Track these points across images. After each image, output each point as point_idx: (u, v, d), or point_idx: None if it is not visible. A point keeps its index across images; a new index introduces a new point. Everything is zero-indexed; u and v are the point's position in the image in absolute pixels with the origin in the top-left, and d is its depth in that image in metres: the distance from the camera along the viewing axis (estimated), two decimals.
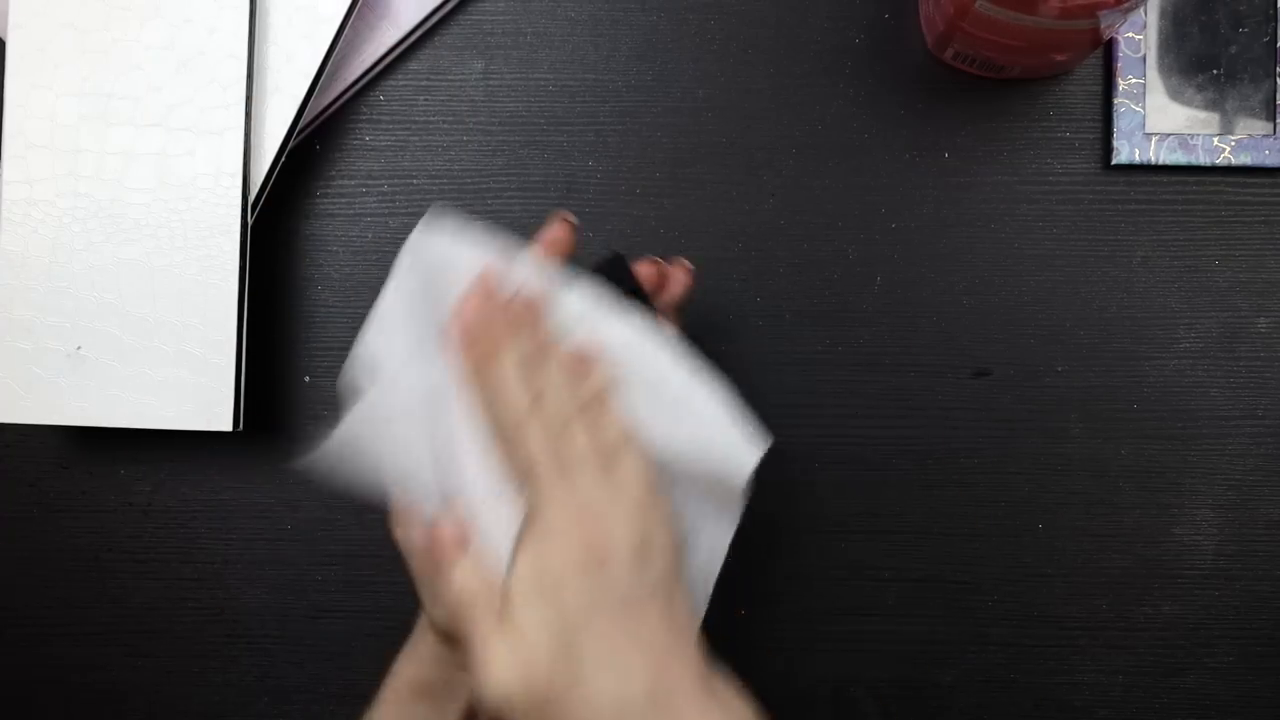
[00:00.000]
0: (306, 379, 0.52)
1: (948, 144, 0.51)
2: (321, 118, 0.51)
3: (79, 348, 0.48)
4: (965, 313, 0.51)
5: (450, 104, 0.52)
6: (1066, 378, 0.51)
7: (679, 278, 0.43)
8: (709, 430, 0.37)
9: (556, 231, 0.39)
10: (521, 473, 0.35)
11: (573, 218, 0.40)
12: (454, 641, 0.39)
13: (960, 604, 0.51)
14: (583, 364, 0.37)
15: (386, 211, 0.52)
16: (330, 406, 0.52)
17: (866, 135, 0.51)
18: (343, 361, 0.51)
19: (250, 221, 0.48)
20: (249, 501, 0.52)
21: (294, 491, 0.52)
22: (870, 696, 0.51)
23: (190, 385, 0.48)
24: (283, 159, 0.49)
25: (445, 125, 0.52)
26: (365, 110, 0.52)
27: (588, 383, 0.36)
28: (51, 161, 0.48)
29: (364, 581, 0.52)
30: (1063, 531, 0.51)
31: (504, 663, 0.33)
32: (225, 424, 0.48)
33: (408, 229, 0.51)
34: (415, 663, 0.43)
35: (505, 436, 0.35)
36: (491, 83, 0.52)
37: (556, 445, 0.35)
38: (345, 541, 0.52)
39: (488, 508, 0.35)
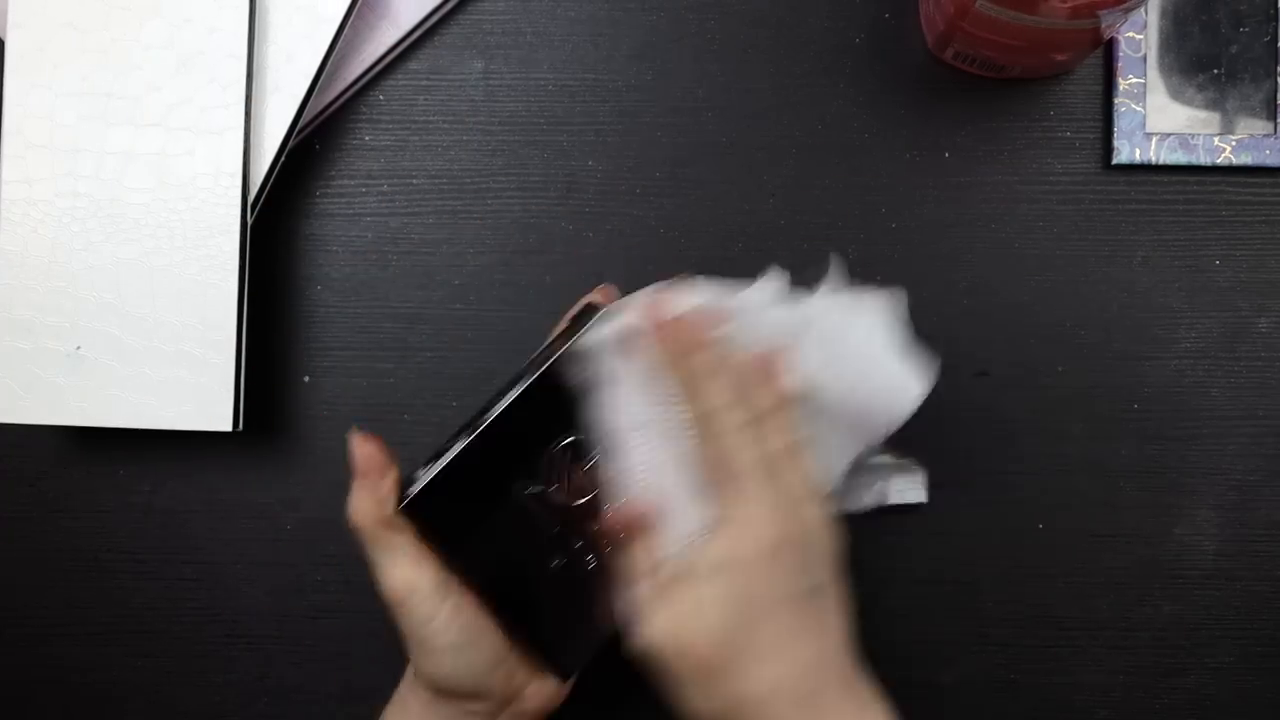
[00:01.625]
0: (306, 379, 0.52)
1: (948, 144, 0.51)
2: (321, 117, 0.51)
3: (78, 347, 0.48)
4: (965, 313, 0.51)
5: (450, 104, 0.52)
6: (1066, 378, 0.51)
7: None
8: (877, 367, 0.42)
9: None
10: (719, 468, 0.38)
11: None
12: (447, 694, 0.40)
13: (960, 604, 0.51)
14: (767, 370, 0.40)
15: (386, 211, 0.52)
16: (330, 406, 0.52)
17: (866, 135, 0.51)
18: (343, 361, 0.52)
19: (250, 221, 0.48)
20: (249, 501, 0.52)
21: (294, 491, 0.52)
22: None
23: (190, 385, 0.48)
24: (282, 159, 0.49)
25: (445, 125, 0.52)
26: (365, 110, 0.52)
27: (773, 387, 0.39)
28: (50, 161, 0.48)
29: (364, 581, 0.52)
30: (1063, 531, 0.51)
31: (675, 622, 0.36)
32: (225, 424, 0.48)
33: (408, 229, 0.52)
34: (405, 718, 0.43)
35: (710, 434, 0.38)
36: (491, 83, 0.52)
37: (758, 447, 0.38)
38: (345, 541, 0.52)
39: (669, 494, 0.39)
